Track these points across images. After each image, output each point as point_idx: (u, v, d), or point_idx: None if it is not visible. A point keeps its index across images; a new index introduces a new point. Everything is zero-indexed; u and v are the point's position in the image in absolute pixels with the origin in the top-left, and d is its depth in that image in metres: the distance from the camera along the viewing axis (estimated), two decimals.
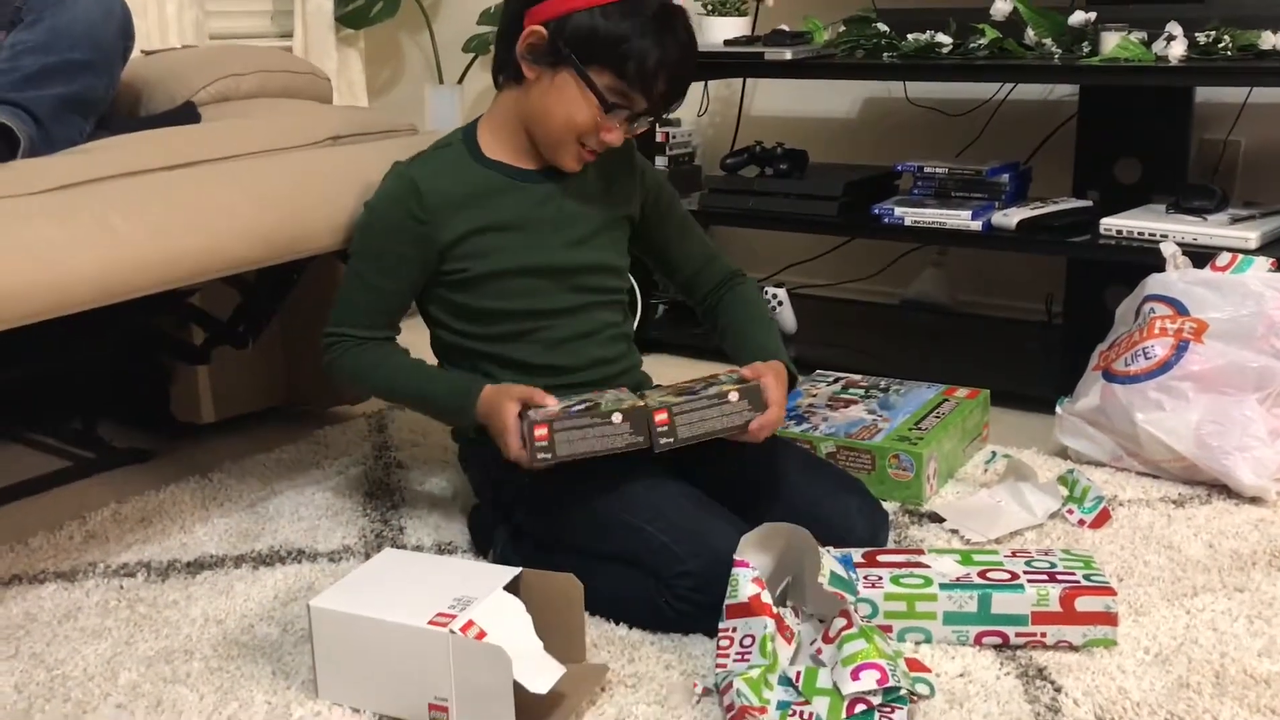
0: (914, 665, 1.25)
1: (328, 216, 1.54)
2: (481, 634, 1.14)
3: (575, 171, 1.55)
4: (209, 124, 1.74)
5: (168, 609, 1.46)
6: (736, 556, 1.26)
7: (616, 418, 1.36)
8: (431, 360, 1.60)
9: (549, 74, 1.47)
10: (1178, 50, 2.02)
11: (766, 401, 1.41)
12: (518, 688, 1.12)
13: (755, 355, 1.53)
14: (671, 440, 1.37)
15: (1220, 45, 2.01)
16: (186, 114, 1.79)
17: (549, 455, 1.35)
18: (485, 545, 1.58)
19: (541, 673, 1.15)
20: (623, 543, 1.40)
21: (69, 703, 1.26)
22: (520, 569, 1.27)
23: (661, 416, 1.37)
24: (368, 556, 1.43)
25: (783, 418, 1.46)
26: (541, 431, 1.35)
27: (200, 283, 1.58)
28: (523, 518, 1.52)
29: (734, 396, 1.39)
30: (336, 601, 1.22)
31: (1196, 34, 2.03)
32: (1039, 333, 2.55)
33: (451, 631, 1.14)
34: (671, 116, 2.84)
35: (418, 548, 1.61)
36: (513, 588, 1.24)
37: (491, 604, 1.19)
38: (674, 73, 1.46)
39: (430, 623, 1.15)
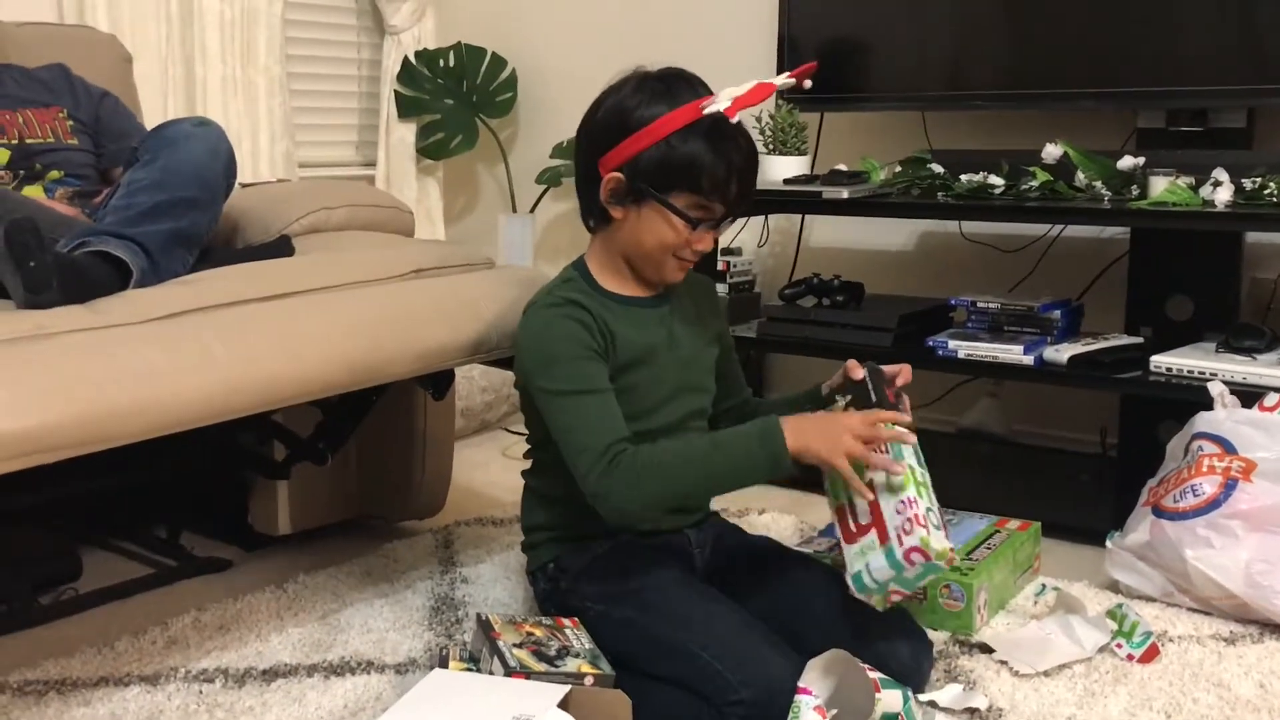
0: None
1: (410, 345, 1.65)
2: None
3: (679, 280, 1.64)
4: (301, 257, 1.87)
5: (244, 715, 1.53)
6: (800, 683, 1.31)
7: None
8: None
9: (634, 210, 1.58)
10: (1224, 195, 2.09)
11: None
12: None
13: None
14: None
15: (1266, 191, 2.07)
16: (281, 247, 1.92)
17: None
18: None
19: None
20: (677, 667, 1.45)
21: None
22: (569, 686, 1.33)
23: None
24: (432, 669, 1.49)
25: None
26: None
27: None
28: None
29: (589, 681, 1.42)
30: None
31: (1243, 179, 2.11)
32: (1093, 465, 2.58)
33: None
34: (733, 246, 2.96)
35: None
36: (563, 705, 1.29)
37: None
38: (744, 175, 1.58)
39: None
